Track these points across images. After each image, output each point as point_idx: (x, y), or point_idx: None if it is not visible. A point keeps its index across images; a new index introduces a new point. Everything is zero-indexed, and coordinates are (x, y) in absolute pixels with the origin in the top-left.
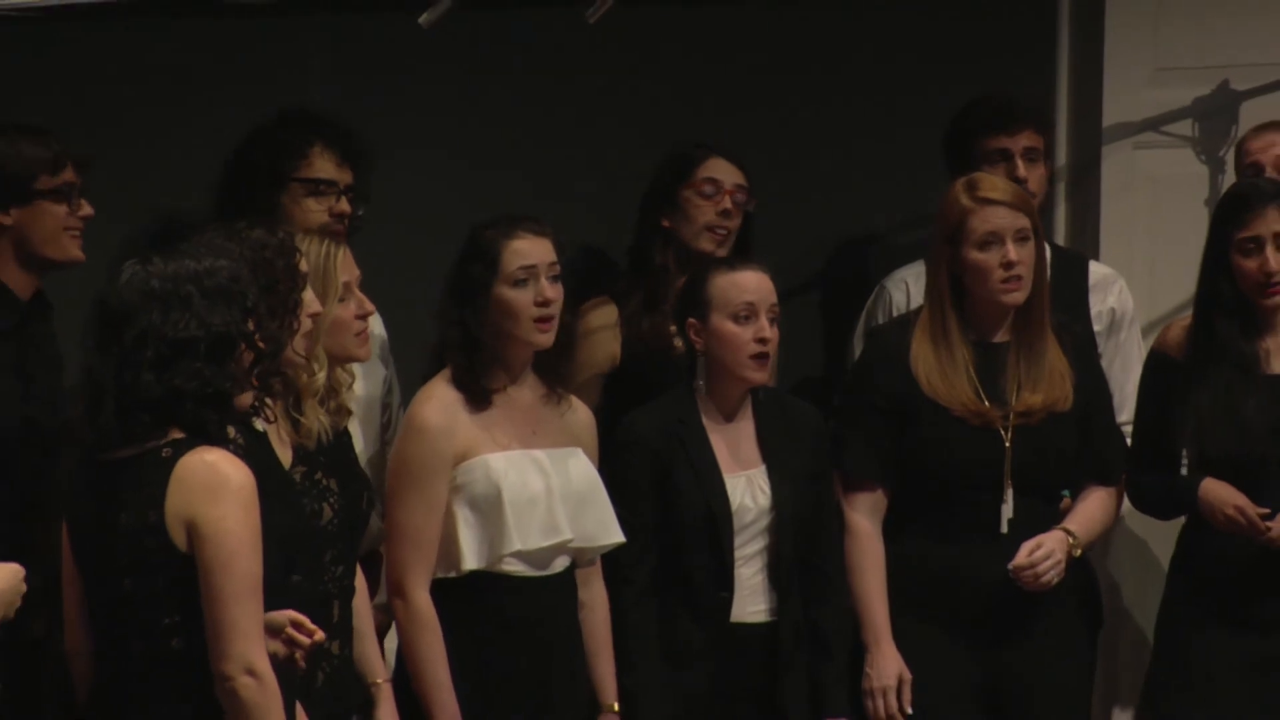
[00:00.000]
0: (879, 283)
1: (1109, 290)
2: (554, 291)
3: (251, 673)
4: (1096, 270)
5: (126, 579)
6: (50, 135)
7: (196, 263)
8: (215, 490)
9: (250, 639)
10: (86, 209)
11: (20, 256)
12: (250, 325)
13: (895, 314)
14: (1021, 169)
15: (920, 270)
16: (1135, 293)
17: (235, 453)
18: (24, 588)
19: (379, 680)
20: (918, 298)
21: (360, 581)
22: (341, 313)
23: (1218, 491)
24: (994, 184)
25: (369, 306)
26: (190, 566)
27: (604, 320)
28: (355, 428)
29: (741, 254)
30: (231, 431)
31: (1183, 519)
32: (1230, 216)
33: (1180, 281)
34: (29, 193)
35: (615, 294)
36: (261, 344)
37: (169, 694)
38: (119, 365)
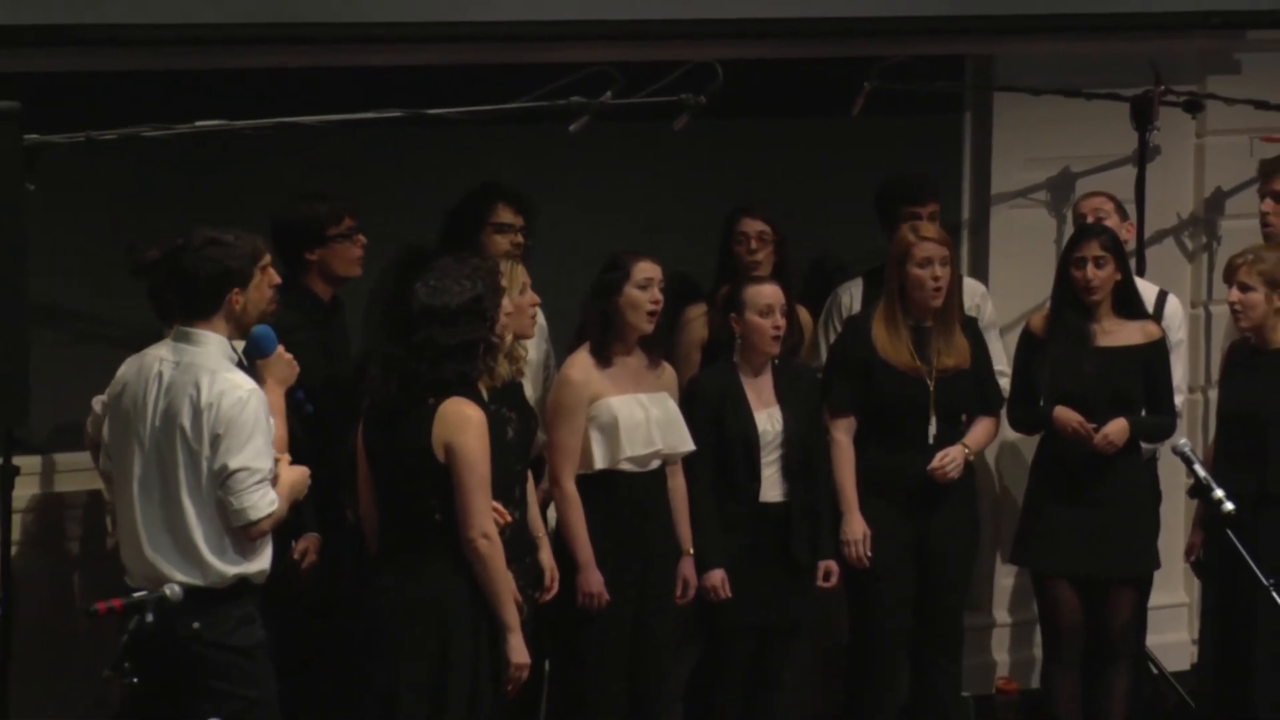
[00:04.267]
0: (833, 290)
1: (974, 298)
2: (660, 296)
3: (486, 536)
4: (969, 285)
5: (406, 479)
6: (331, 196)
7: (461, 286)
8: (462, 424)
9: (484, 515)
10: (362, 240)
11: (321, 276)
12: (485, 329)
13: (843, 310)
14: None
15: (859, 283)
16: (1010, 297)
17: (476, 401)
18: (309, 483)
19: (540, 535)
20: (857, 299)
21: (528, 473)
22: (521, 301)
23: (1066, 414)
24: (928, 229)
25: (536, 299)
26: (446, 472)
27: (697, 314)
28: (529, 381)
29: (780, 274)
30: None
31: (1041, 435)
32: (1072, 242)
33: (1040, 289)
34: (322, 238)
35: (706, 298)
36: (492, 340)
37: (432, 550)
38: (406, 358)
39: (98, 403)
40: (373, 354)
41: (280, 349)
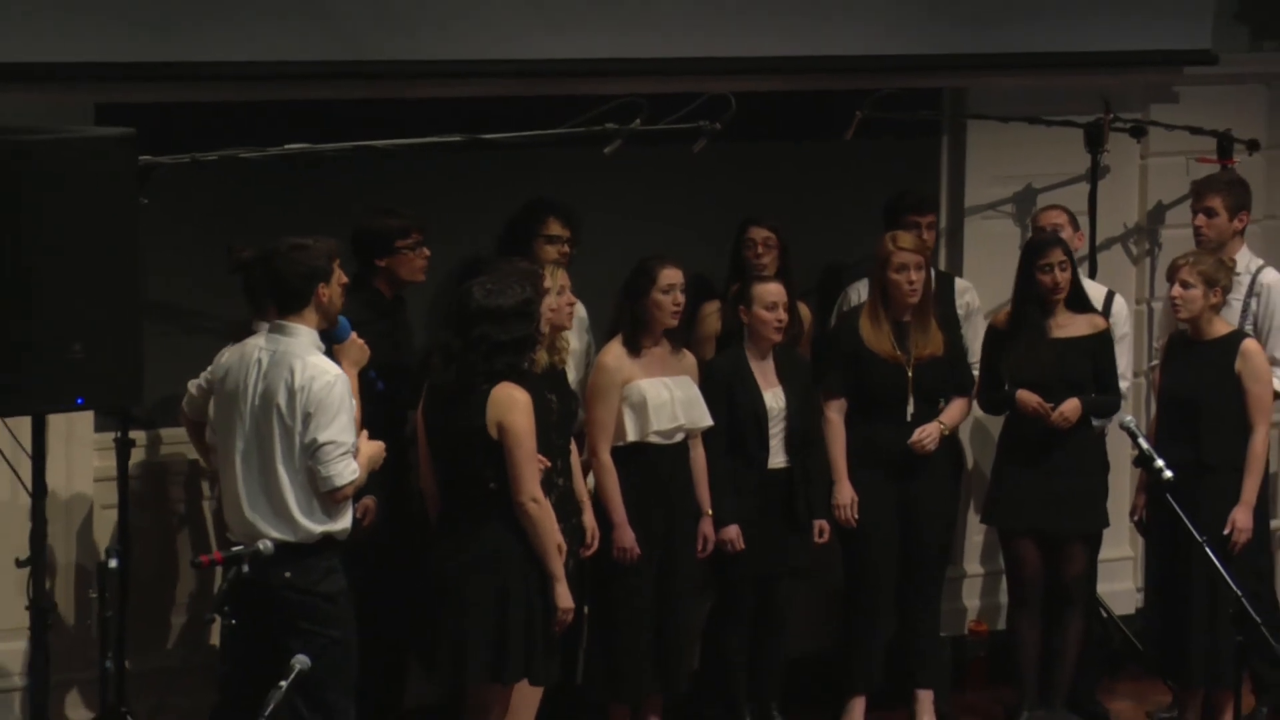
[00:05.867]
0: (844, 289)
1: (965, 295)
2: (682, 298)
3: (535, 500)
4: (959, 283)
5: (463, 454)
6: (401, 211)
7: (513, 289)
8: (511, 406)
9: (533, 482)
10: (426, 253)
11: (388, 280)
12: (532, 327)
13: (852, 306)
14: (925, 234)
15: (865, 283)
16: (982, 294)
17: (523, 385)
18: (384, 455)
19: (583, 500)
20: (864, 296)
21: (572, 445)
22: (559, 301)
23: (1027, 395)
24: (905, 239)
25: (574, 299)
26: (498, 447)
27: (712, 309)
28: (574, 366)
29: (783, 274)
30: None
31: (1006, 414)
32: (1035, 250)
33: (1004, 287)
34: (391, 248)
35: (720, 295)
36: (535, 335)
37: (489, 513)
38: (463, 350)
39: (193, 385)
40: (435, 346)
41: (354, 335)
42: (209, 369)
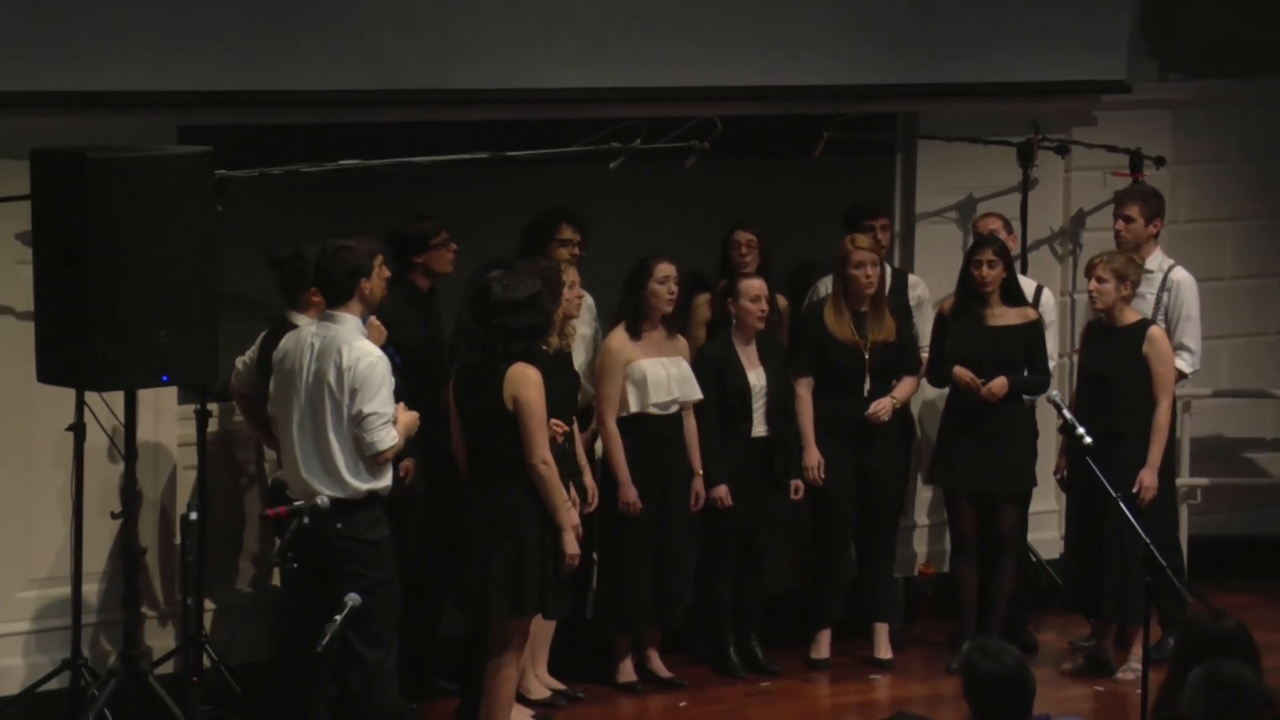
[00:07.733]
0: (813, 283)
1: (916, 288)
2: (676, 288)
3: (545, 462)
4: (911, 278)
5: (485, 425)
6: (432, 216)
7: (525, 284)
8: (525, 382)
9: (543, 447)
10: (454, 248)
11: (424, 273)
12: (545, 318)
13: (819, 298)
14: (879, 235)
15: (831, 278)
16: (929, 288)
17: (535, 365)
18: (419, 424)
19: (583, 464)
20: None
21: (574, 418)
22: (569, 294)
23: (961, 372)
24: (863, 240)
25: (581, 292)
26: (514, 418)
27: (703, 300)
28: (581, 351)
29: (765, 271)
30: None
31: (949, 389)
32: (973, 249)
33: (949, 281)
34: (425, 246)
35: (710, 289)
36: (549, 322)
37: (507, 476)
38: (484, 336)
39: (239, 361)
40: (460, 332)
41: (373, 319)
42: (252, 348)
